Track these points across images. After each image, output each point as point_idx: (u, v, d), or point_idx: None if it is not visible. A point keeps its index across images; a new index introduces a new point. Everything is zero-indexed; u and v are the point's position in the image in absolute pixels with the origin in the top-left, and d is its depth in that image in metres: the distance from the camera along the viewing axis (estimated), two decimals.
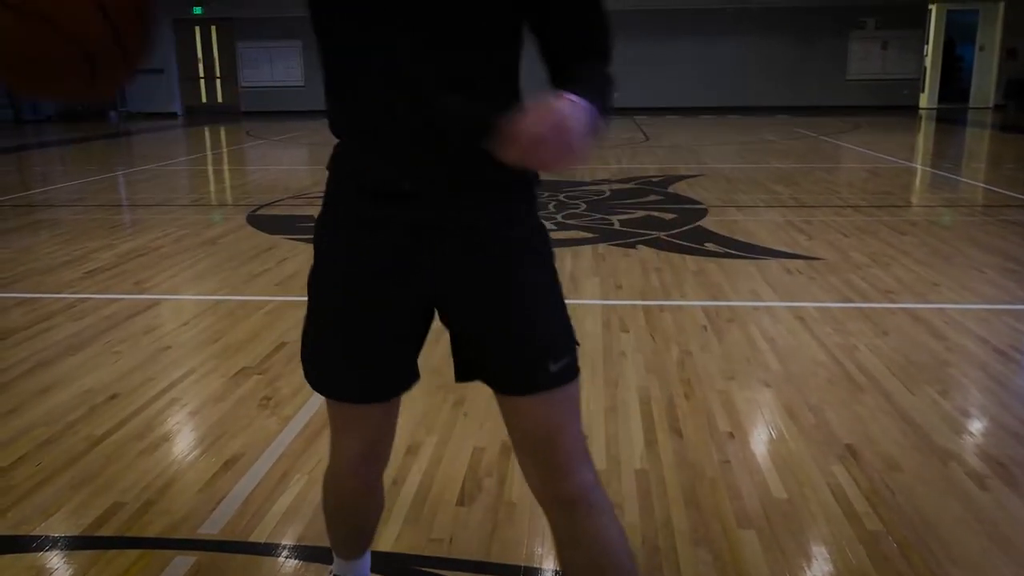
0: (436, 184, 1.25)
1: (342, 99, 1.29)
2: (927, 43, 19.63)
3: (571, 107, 1.06)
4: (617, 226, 5.99)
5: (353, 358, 1.35)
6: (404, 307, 1.33)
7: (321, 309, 1.37)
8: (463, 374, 1.37)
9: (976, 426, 2.72)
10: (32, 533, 2.12)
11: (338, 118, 1.31)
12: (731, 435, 2.64)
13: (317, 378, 1.40)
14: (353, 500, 1.58)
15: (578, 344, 1.37)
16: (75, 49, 1.05)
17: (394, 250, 1.28)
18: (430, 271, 1.29)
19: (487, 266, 1.29)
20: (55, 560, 2.02)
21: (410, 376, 1.40)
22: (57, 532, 2.13)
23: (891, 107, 19.20)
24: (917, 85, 19.82)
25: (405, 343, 1.37)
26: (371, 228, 1.28)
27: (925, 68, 19.76)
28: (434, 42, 1.19)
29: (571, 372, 1.33)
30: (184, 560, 2.00)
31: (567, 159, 1.06)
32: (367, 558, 1.73)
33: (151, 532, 2.12)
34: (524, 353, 1.30)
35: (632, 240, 5.48)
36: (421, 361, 1.40)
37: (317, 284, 1.38)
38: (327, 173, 1.36)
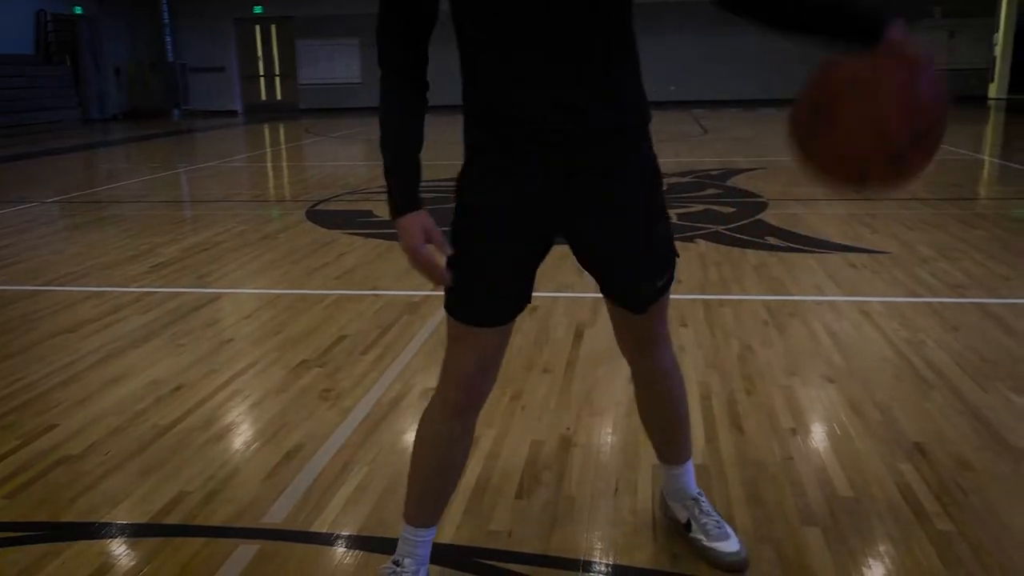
0: (564, 135, 1.52)
1: (484, 87, 1.56)
2: (997, 31, 18.97)
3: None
4: (675, 220, 5.93)
5: (487, 286, 1.63)
6: (534, 240, 1.63)
7: (466, 247, 1.62)
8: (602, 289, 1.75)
9: None
10: (101, 520, 2.17)
11: (479, 100, 1.57)
12: (794, 431, 2.58)
13: (460, 305, 1.65)
14: (447, 440, 1.73)
15: (678, 255, 1.75)
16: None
17: (530, 192, 1.57)
18: (562, 206, 1.59)
19: (612, 196, 1.60)
20: (123, 547, 2.07)
21: (526, 300, 1.69)
22: (125, 520, 2.18)
23: (959, 97, 18.61)
24: (986, 75, 19.17)
25: (529, 271, 1.67)
26: (511, 175, 1.57)
27: (995, 57, 19.10)
28: (564, 56, 1.49)
29: (670, 282, 1.73)
30: (248, 548, 2.03)
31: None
32: (434, 533, 1.82)
33: (215, 520, 2.16)
34: (642, 276, 1.68)
35: (691, 234, 5.42)
36: None
37: (462, 227, 1.64)
38: (467, 133, 1.63)
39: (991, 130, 13.33)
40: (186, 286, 4.49)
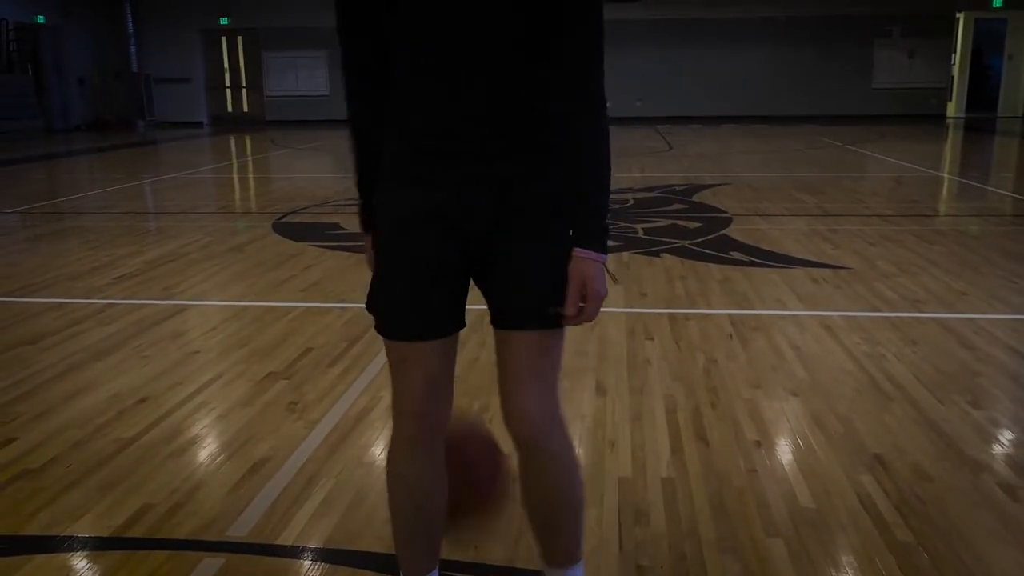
0: (473, 144, 1.49)
1: (403, 85, 1.52)
2: (955, 52, 19.45)
3: (597, 270, 1.50)
4: (641, 234, 5.98)
5: (407, 299, 1.56)
6: (445, 250, 1.54)
7: (387, 263, 1.59)
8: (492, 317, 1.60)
9: (1007, 436, 2.68)
10: (62, 534, 2.14)
11: (399, 98, 1.54)
12: (758, 443, 2.62)
13: (380, 322, 1.60)
14: (416, 479, 1.62)
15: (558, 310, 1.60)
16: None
17: (438, 201, 1.52)
18: (469, 218, 1.52)
19: (516, 214, 1.53)
20: (84, 561, 2.04)
21: (457, 319, 1.59)
22: (87, 533, 2.15)
23: (918, 116, 19.03)
24: (944, 94, 19.63)
25: (448, 281, 1.56)
26: (420, 184, 1.52)
27: (952, 77, 19.58)
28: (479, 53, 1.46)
29: (559, 319, 1.55)
30: (212, 562, 2.01)
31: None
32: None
33: (180, 534, 2.14)
34: (531, 291, 1.54)
35: (656, 248, 5.47)
36: None
37: (380, 238, 1.61)
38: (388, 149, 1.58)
39: (950, 148, 13.64)
40: (150, 298, 4.44)
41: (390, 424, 2.53)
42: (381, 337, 1.61)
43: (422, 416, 1.58)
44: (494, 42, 1.46)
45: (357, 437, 2.70)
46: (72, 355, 3.53)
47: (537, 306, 1.54)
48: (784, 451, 2.58)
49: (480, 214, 1.52)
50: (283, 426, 2.79)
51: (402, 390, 1.59)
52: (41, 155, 13.69)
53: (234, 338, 3.75)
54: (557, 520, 1.67)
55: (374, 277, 1.62)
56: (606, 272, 1.53)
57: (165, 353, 3.54)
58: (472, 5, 1.44)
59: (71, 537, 2.13)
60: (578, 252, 1.50)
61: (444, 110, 1.49)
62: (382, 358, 3.42)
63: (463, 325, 1.60)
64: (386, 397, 3.01)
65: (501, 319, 1.58)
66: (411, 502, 1.64)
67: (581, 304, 1.50)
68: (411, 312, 1.56)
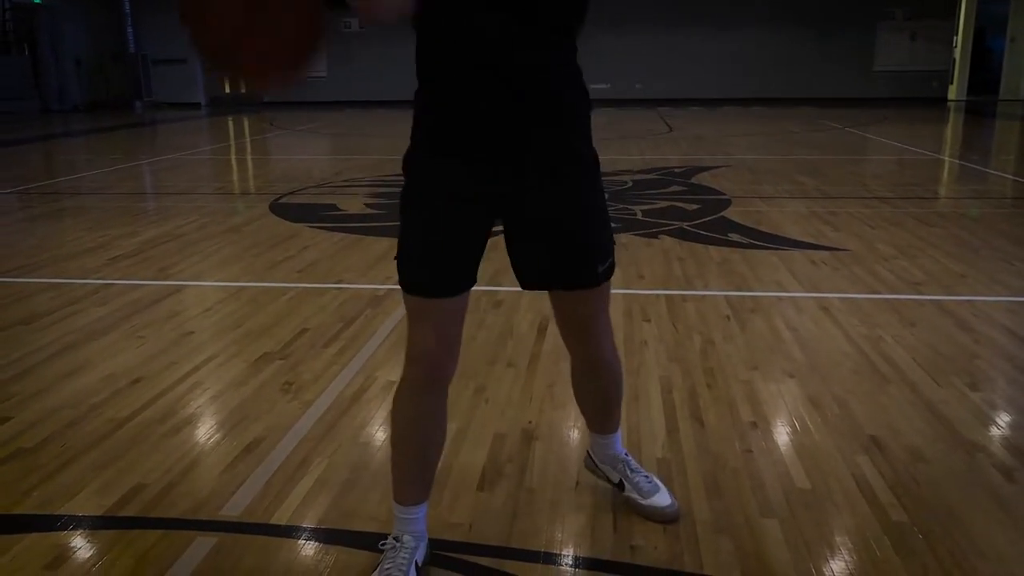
0: (511, 121, 1.63)
1: (436, 61, 1.65)
2: (957, 34, 19.32)
3: None
4: (640, 216, 5.96)
5: (434, 260, 1.69)
6: (478, 221, 1.70)
7: (413, 220, 1.72)
8: (527, 280, 1.82)
9: (1004, 418, 2.68)
10: (56, 513, 2.14)
11: (431, 79, 1.67)
12: (754, 425, 2.61)
13: (409, 277, 1.72)
14: (418, 419, 1.80)
15: (614, 246, 1.84)
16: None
17: (475, 176, 1.66)
18: (503, 192, 1.68)
19: (556, 186, 1.69)
20: (78, 539, 2.03)
21: (472, 278, 1.75)
22: (80, 512, 2.14)
23: (919, 99, 18.95)
24: (946, 76, 19.53)
25: (474, 247, 1.73)
26: (456, 157, 1.66)
27: (954, 59, 19.47)
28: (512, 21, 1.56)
29: (611, 270, 1.82)
30: (206, 541, 2.01)
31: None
32: (425, 508, 1.88)
33: (173, 513, 2.13)
34: (585, 255, 1.76)
35: (655, 230, 5.45)
36: None
37: (410, 202, 1.73)
38: (416, 116, 1.72)
39: (951, 131, 13.58)
40: (146, 279, 4.42)
41: (385, 404, 2.53)
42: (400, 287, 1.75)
43: (432, 364, 1.75)
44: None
45: (352, 417, 2.69)
46: (67, 335, 3.51)
47: (595, 272, 1.78)
48: (780, 432, 2.57)
49: (520, 186, 1.68)
50: (277, 406, 2.78)
51: (416, 339, 1.74)
52: (38, 136, 13.64)
53: (229, 319, 3.74)
54: (610, 404, 2.08)
55: (403, 229, 1.73)
56: None
57: (160, 333, 3.53)
58: None
59: (64, 516, 2.12)
60: None
61: (485, 82, 1.60)
62: (378, 339, 3.42)
63: (474, 283, 1.76)
64: (381, 378, 3.00)
65: (559, 280, 1.79)
66: (411, 440, 1.83)
67: None
68: (434, 271, 1.71)
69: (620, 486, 2.13)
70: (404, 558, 1.80)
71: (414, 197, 1.73)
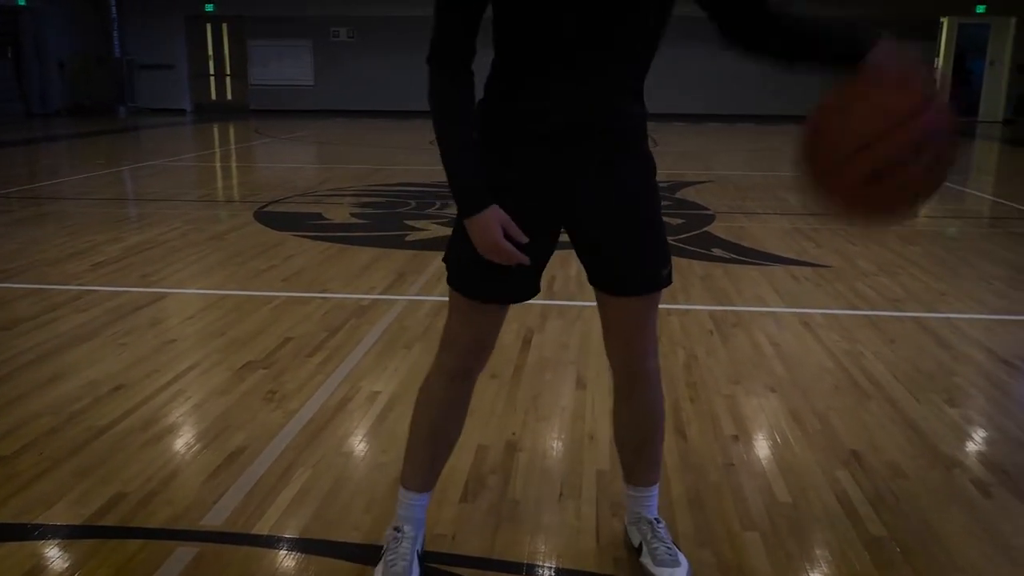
0: (581, 129, 1.62)
1: (520, 78, 1.63)
2: (938, 56, 19.58)
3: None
4: None
5: (499, 268, 1.65)
6: (544, 226, 1.69)
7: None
8: (593, 279, 1.80)
9: (981, 435, 2.71)
10: (34, 522, 2.12)
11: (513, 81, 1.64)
12: (736, 439, 2.63)
13: (464, 282, 1.73)
14: (442, 406, 1.84)
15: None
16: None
17: (545, 181, 1.65)
18: (572, 197, 1.67)
19: (620, 189, 1.69)
20: (56, 549, 2.01)
21: (535, 287, 1.77)
22: (59, 521, 2.12)
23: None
24: None
25: (542, 256, 1.72)
26: (529, 164, 1.64)
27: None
28: (609, 58, 1.60)
29: (670, 277, 1.80)
30: (186, 551, 2.00)
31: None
32: (429, 497, 1.92)
33: (153, 523, 2.12)
34: (648, 261, 1.75)
35: None
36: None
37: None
38: (488, 120, 1.66)
39: None
40: (128, 285, 4.39)
41: (369, 415, 2.53)
42: (449, 287, 1.76)
43: (463, 358, 1.80)
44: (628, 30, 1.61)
45: (336, 427, 2.69)
46: (47, 341, 3.49)
47: (658, 275, 1.76)
48: (762, 446, 2.59)
49: (587, 191, 1.67)
50: (260, 415, 2.77)
51: (453, 336, 1.79)
52: (20, 139, 13.52)
53: (212, 327, 3.72)
54: (648, 442, 1.92)
55: (463, 233, 1.65)
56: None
57: (142, 341, 3.51)
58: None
59: (43, 525, 2.10)
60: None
61: (560, 93, 1.59)
62: (362, 349, 3.42)
63: (538, 291, 1.78)
64: (365, 388, 3.00)
65: (620, 286, 1.76)
66: (433, 427, 1.86)
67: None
68: (498, 281, 1.69)
69: (638, 550, 1.93)
70: (407, 548, 1.84)
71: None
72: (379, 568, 1.83)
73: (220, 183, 9.28)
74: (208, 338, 3.56)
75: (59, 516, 2.14)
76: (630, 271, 1.75)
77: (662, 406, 1.91)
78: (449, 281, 1.75)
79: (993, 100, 19.50)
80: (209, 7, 20.50)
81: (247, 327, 3.70)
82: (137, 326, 3.71)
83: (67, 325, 3.70)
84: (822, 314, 3.97)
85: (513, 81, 1.63)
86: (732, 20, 1.69)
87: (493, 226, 1.59)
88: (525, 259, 1.62)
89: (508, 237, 1.60)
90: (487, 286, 1.71)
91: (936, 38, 19.46)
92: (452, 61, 1.58)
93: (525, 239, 1.61)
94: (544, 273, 1.79)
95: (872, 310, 4.04)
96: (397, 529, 1.88)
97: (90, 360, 3.28)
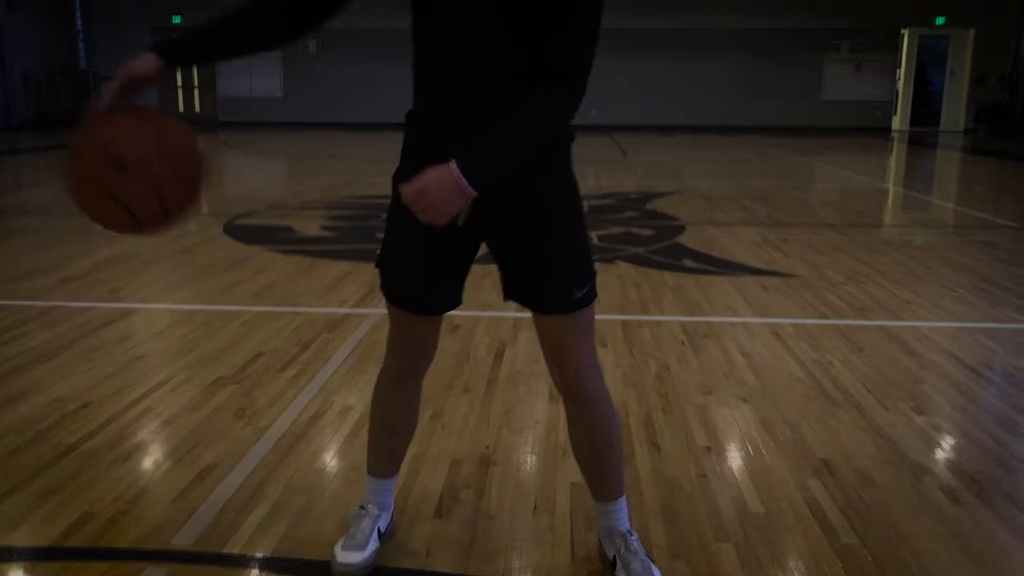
0: (462, 117, 1.65)
1: (424, 75, 1.69)
2: (899, 67, 19.95)
3: (440, 178, 1.53)
4: (596, 241, 6.02)
5: (419, 278, 1.79)
6: (459, 239, 1.73)
7: (397, 237, 1.80)
8: (508, 294, 1.81)
9: (949, 442, 2.75)
10: None
11: (420, 89, 1.71)
12: (708, 449, 2.65)
13: (389, 291, 1.84)
14: (393, 402, 1.98)
15: (595, 272, 1.80)
16: (128, 216, 1.64)
17: None
18: (485, 211, 1.67)
19: (531, 208, 1.70)
20: (20, 572, 1.98)
21: (456, 299, 1.86)
22: (25, 543, 2.08)
23: (865, 128, 19.46)
24: (890, 107, 20.12)
25: (457, 269, 1.81)
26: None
27: (897, 91, 20.08)
28: (488, 41, 1.61)
29: (590, 296, 1.78)
30: (156, 572, 1.97)
31: (433, 215, 1.55)
32: (393, 483, 2.09)
33: (122, 543, 2.09)
34: (556, 282, 1.74)
35: (611, 255, 5.51)
36: None
37: (395, 215, 1.76)
38: (405, 129, 1.75)
39: (894, 160, 13.97)
40: (96, 300, 4.33)
41: (342, 430, 2.52)
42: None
43: (407, 359, 1.94)
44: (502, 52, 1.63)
45: (308, 443, 2.67)
46: (13, 358, 3.43)
47: (571, 297, 1.75)
48: (734, 456, 2.61)
49: (498, 207, 1.69)
50: (231, 432, 2.74)
51: (394, 337, 1.92)
52: None
53: (182, 342, 3.68)
54: (603, 458, 1.92)
55: (387, 241, 1.82)
56: (463, 201, 1.56)
57: (110, 357, 3.46)
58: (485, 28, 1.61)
59: (8, 548, 2.06)
60: (451, 163, 1.54)
61: (467, 100, 1.64)
62: (334, 363, 3.39)
63: (459, 303, 1.87)
64: (338, 403, 2.98)
65: (532, 303, 1.79)
66: (384, 420, 2.01)
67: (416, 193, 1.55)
68: (414, 292, 1.82)
69: (612, 564, 1.91)
70: (367, 524, 1.99)
71: (399, 211, 1.71)
72: (339, 541, 1.98)
73: None
74: (178, 354, 3.52)
75: (24, 537, 2.10)
76: (538, 289, 1.77)
77: (611, 421, 1.89)
78: (381, 287, 1.85)
79: (954, 110, 19.90)
80: (177, 18, 20.34)
81: (217, 342, 3.66)
82: (105, 342, 3.66)
83: (34, 341, 3.64)
84: (791, 323, 4.01)
85: (415, 83, 1.71)
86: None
87: (142, 64, 1.66)
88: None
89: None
90: (412, 296, 1.82)
91: (897, 50, 19.82)
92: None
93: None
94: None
95: (840, 319, 4.09)
96: (362, 507, 2.04)
97: (57, 377, 3.22)
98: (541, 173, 1.70)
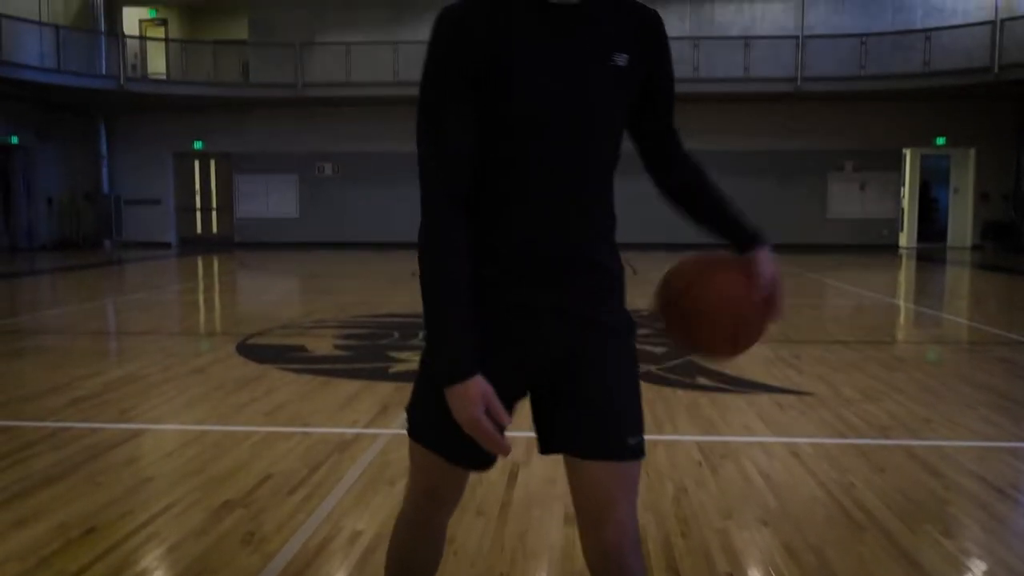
0: (567, 273, 1.54)
1: (498, 216, 1.51)
2: (903, 185, 20.32)
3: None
4: None
5: (460, 432, 1.44)
6: (512, 386, 1.53)
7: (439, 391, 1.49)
8: (547, 446, 1.59)
9: (980, 567, 2.65)
10: None
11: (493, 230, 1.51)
12: (730, 575, 2.55)
13: (421, 434, 1.59)
14: (413, 552, 1.74)
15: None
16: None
17: (512, 333, 1.51)
18: (540, 351, 1.53)
19: (591, 349, 1.55)
20: None
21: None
22: None
23: (871, 245, 19.66)
24: (895, 225, 20.37)
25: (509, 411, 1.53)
26: (510, 313, 1.52)
27: (902, 209, 20.38)
28: (578, 185, 1.55)
29: (641, 449, 1.55)
30: None
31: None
32: None
33: None
34: (612, 424, 1.52)
35: None
36: None
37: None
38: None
39: (904, 277, 14.04)
40: (106, 421, 4.31)
41: (351, 558, 2.46)
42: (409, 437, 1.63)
43: (427, 513, 1.70)
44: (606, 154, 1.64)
45: (316, 570, 2.59)
46: (19, 481, 3.38)
47: (626, 445, 1.53)
48: None
49: (559, 341, 1.54)
50: (237, 559, 2.67)
51: (420, 482, 1.67)
52: (4, 273, 13.56)
53: (191, 464, 3.63)
54: None
55: (428, 392, 1.52)
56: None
57: (118, 479, 3.41)
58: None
59: None
60: (760, 247, 1.67)
61: (546, 236, 1.52)
62: (344, 486, 3.33)
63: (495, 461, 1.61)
64: (347, 527, 2.91)
65: (587, 449, 1.52)
66: (401, 562, 1.76)
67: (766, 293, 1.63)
68: (459, 443, 1.48)
69: None
70: None
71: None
72: None
73: (203, 316, 9.28)
74: (186, 476, 3.47)
75: None
76: (593, 431, 1.52)
77: None
78: (410, 432, 1.60)
79: (960, 226, 20.12)
80: (198, 144, 21.08)
81: (226, 464, 3.61)
82: (113, 464, 3.61)
83: (41, 463, 3.60)
84: (810, 443, 3.94)
85: (482, 220, 1.50)
86: (645, 147, 1.83)
87: (476, 400, 1.39)
88: (504, 447, 1.42)
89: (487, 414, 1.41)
90: (455, 445, 1.51)
91: (900, 168, 20.23)
92: (461, 190, 1.47)
93: (508, 420, 1.43)
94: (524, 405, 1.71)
95: (859, 438, 4.02)
96: None
97: (62, 500, 3.17)
98: (609, 306, 1.60)
